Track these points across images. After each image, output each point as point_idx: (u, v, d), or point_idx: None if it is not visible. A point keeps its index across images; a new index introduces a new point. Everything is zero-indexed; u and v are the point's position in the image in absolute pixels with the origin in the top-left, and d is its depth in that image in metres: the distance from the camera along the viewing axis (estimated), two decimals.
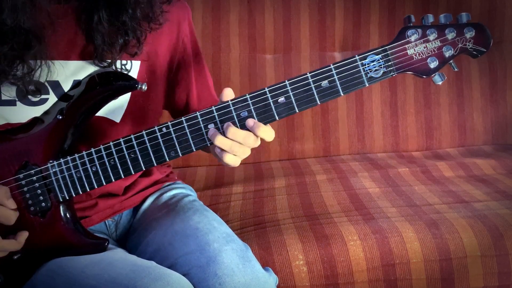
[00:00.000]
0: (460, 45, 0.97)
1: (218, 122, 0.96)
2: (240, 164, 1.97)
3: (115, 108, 1.09)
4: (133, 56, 1.08)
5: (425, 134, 2.03)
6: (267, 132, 0.96)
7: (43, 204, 0.99)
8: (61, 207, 1.00)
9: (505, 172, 1.76)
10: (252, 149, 0.99)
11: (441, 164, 1.83)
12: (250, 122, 0.95)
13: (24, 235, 0.98)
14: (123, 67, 1.08)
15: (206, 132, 0.97)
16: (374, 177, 1.73)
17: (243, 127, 0.96)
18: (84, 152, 0.98)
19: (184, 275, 0.96)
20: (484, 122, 2.05)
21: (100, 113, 1.06)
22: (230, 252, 1.00)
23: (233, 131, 0.94)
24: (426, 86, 2.02)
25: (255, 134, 0.95)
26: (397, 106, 2.01)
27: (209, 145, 0.98)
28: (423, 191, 1.60)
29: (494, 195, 1.54)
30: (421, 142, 2.03)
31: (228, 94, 0.97)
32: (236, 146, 0.95)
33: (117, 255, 1.01)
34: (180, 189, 1.27)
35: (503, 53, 2.06)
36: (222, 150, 0.96)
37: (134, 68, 1.10)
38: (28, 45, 0.97)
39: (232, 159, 0.97)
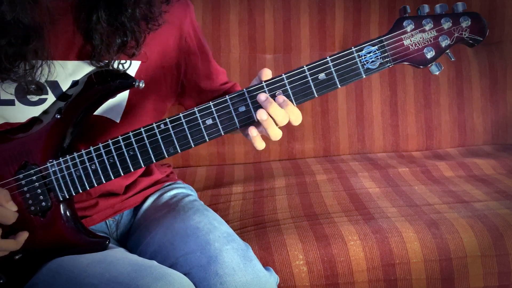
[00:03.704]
0: (456, 35, 0.97)
1: (216, 117, 0.96)
2: (240, 164, 1.99)
3: (114, 107, 1.09)
4: (131, 57, 1.08)
5: (425, 134, 2.03)
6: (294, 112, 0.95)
7: (43, 203, 0.99)
8: (61, 206, 1.00)
9: (505, 172, 1.76)
10: (252, 149, 0.98)
11: (441, 164, 1.83)
12: (280, 98, 0.94)
13: (24, 236, 0.98)
14: (120, 65, 1.07)
15: (205, 128, 0.97)
16: (374, 177, 1.73)
17: (240, 122, 0.96)
18: (83, 151, 0.98)
19: (185, 274, 0.96)
20: (484, 122, 2.05)
21: (99, 112, 1.07)
22: (231, 252, 1.00)
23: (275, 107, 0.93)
24: (426, 86, 2.02)
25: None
26: (397, 106, 2.01)
27: (207, 140, 0.97)
28: (423, 191, 1.60)
29: (494, 195, 1.54)
30: (421, 142, 2.03)
31: (267, 74, 0.96)
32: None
33: (118, 254, 1.01)
34: (181, 189, 1.28)
35: (503, 53, 2.06)
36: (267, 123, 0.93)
37: (132, 67, 1.10)
38: (26, 41, 0.97)
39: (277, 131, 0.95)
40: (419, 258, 1.31)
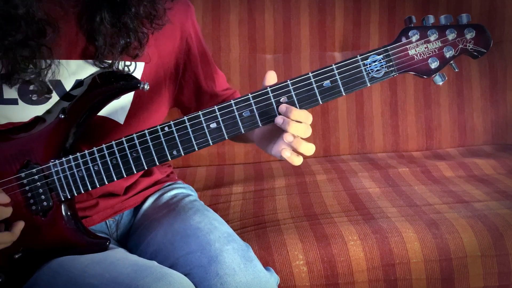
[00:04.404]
0: (460, 46, 0.98)
1: (220, 121, 0.97)
2: (240, 164, 1.99)
3: (119, 109, 1.09)
4: (134, 58, 1.08)
5: (425, 134, 2.03)
6: (301, 114, 0.95)
7: (45, 203, 0.99)
8: (62, 206, 1.00)
9: (505, 172, 1.76)
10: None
11: (441, 164, 1.83)
12: (282, 107, 0.95)
13: (19, 226, 0.97)
14: (126, 67, 1.08)
15: (209, 132, 0.97)
16: (374, 177, 1.73)
17: (245, 127, 0.97)
18: (86, 151, 0.98)
19: (185, 275, 0.96)
20: (484, 122, 2.05)
21: (103, 114, 1.07)
22: (232, 252, 1.00)
23: (297, 112, 0.93)
24: (426, 86, 2.02)
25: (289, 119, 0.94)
26: (397, 106, 2.01)
27: (211, 144, 0.98)
28: (423, 191, 1.60)
29: (494, 195, 1.54)
30: (421, 142, 2.03)
31: (271, 77, 0.97)
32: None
33: (118, 255, 1.01)
34: (181, 189, 1.28)
35: (503, 53, 2.07)
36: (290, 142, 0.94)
37: (138, 69, 1.10)
38: (42, 32, 0.97)
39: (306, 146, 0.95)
40: (419, 258, 1.31)
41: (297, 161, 0.96)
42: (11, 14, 0.95)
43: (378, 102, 2.01)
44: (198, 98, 1.25)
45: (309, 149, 0.95)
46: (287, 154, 0.95)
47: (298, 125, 0.94)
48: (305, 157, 1.94)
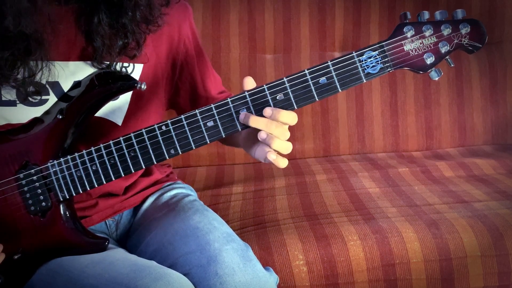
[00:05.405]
0: (456, 41, 0.98)
1: (217, 119, 0.97)
2: (240, 164, 1.99)
3: (116, 109, 1.09)
4: (132, 59, 1.08)
5: (425, 134, 2.03)
6: (289, 116, 0.94)
7: (43, 203, 0.99)
8: (61, 206, 1.00)
9: (505, 172, 1.76)
10: None
11: (441, 164, 1.83)
12: (268, 110, 0.93)
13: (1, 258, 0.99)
14: (124, 69, 1.08)
15: (206, 130, 0.97)
16: (374, 177, 1.73)
17: (242, 125, 0.97)
18: (84, 151, 0.98)
19: (184, 274, 0.96)
20: (484, 122, 2.05)
21: (102, 115, 1.07)
22: (231, 252, 1.00)
23: (254, 118, 0.93)
24: (426, 86, 2.02)
25: (277, 121, 0.94)
26: (397, 106, 2.01)
27: (208, 142, 0.97)
28: (423, 191, 1.60)
29: (494, 195, 1.54)
30: (421, 142, 2.03)
31: (249, 83, 0.96)
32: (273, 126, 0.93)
33: (117, 255, 1.01)
34: (181, 189, 1.28)
35: (503, 53, 2.06)
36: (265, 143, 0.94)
37: (136, 70, 1.10)
38: (28, 51, 0.97)
39: (281, 144, 0.94)
40: (419, 258, 1.31)
41: (282, 163, 0.95)
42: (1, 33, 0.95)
43: (378, 102, 2.01)
44: (193, 100, 1.25)
45: (286, 147, 0.95)
46: (272, 156, 0.94)
47: (275, 125, 0.93)
48: (305, 157, 1.96)
